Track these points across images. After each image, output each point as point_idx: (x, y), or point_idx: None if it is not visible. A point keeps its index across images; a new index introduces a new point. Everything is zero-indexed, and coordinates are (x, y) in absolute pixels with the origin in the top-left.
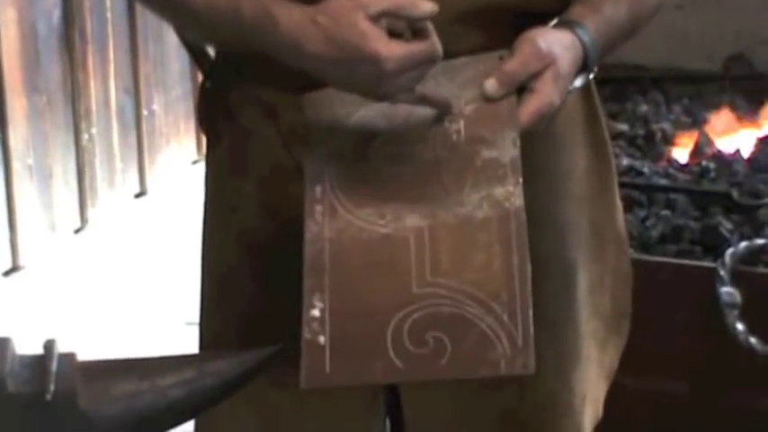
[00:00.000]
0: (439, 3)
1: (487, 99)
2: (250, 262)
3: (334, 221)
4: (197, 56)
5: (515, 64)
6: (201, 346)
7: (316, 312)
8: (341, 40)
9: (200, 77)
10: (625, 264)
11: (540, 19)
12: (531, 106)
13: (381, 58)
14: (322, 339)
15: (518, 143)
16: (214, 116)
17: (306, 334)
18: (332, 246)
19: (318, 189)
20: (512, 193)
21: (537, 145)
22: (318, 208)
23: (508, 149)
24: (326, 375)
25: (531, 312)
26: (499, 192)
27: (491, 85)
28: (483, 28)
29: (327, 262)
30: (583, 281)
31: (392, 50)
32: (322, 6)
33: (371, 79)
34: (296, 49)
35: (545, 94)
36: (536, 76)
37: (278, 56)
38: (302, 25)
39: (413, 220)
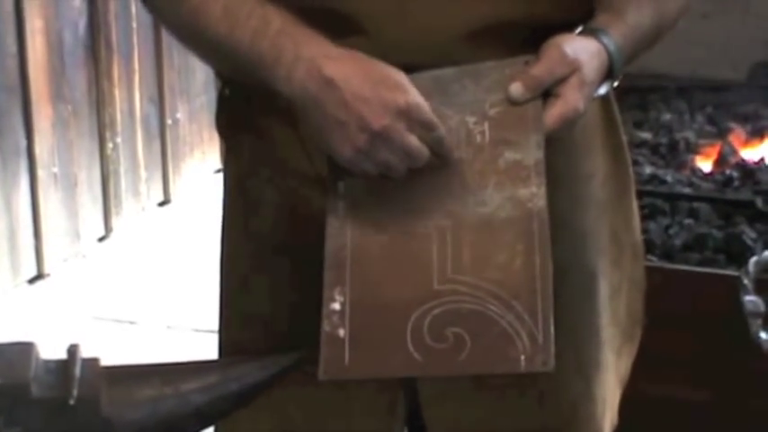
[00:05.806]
0: (449, 20)
1: (513, 102)
2: (268, 266)
3: (356, 217)
4: None
5: (542, 68)
6: (221, 351)
7: (336, 306)
8: (376, 68)
9: None
10: (640, 270)
11: (552, 33)
12: (556, 111)
13: (406, 90)
14: (342, 332)
15: (542, 146)
16: (233, 123)
17: (325, 326)
18: (353, 241)
19: (341, 185)
20: (535, 194)
21: (556, 151)
22: (341, 204)
23: (532, 152)
24: (345, 367)
25: (552, 311)
26: (522, 193)
27: (517, 88)
28: (495, 45)
29: (348, 257)
30: (603, 288)
31: (414, 96)
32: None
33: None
34: (312, 63)
35: (570, 100)
36: (561, 81)
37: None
38: (328, 50)
39: (435, 218)
